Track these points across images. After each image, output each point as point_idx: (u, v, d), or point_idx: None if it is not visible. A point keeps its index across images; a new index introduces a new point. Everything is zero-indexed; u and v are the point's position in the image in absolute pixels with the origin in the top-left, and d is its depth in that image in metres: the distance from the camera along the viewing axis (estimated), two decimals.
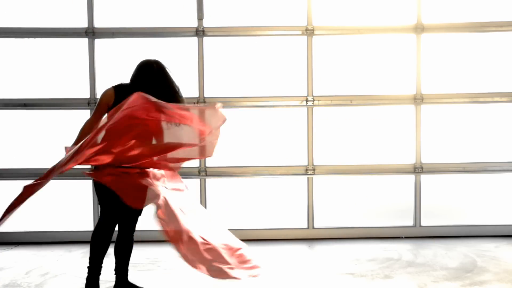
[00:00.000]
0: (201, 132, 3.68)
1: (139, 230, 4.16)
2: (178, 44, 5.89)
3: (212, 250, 3.59)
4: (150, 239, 5.50)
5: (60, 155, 3.57)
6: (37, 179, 3.44)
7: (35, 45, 5.87)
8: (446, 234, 5.91)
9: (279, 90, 5.89)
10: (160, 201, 3.53)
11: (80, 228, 5.89)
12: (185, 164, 6.09)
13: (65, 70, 5.88)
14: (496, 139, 5.95)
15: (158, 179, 3.74)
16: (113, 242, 3.97)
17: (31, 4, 5.88)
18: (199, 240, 3.57)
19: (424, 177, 5.94)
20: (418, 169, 5.90)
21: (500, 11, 5.87)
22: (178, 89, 3.87)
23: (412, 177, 5.94)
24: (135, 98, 3.51)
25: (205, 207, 5.90)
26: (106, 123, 3.53)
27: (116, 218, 3.88)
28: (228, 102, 5.84)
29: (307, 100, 5.85)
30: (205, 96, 5.84)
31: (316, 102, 5.86)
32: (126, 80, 3.88)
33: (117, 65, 5.75)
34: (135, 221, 4.00)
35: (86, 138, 3.49)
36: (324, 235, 5.92)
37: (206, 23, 5.85)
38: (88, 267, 3.86)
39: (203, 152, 3.87)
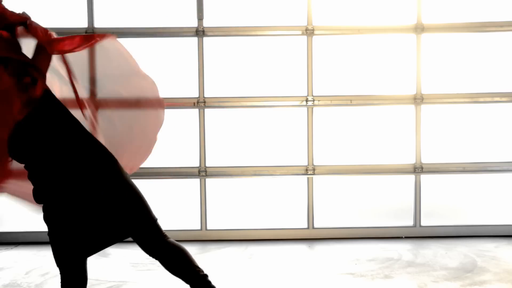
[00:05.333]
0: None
1: None
2: (178, 44, 5.89)
3: None
4: None
5: None
6: None
7: None
8: (446, 234, 5.90)
9: (279, 90, 5.89)
10: None
11: None
12: (185, 164, 6.11)
13: None
14: (496, 139, 5.94)
15: None
16: None
17: (31, 5, 5.88)
18: None
19: (424, 177, 5.93)
20: (418, 169, 5.90)
21: (500, 11, 5.86)
22: None
23: (412, 177, 5.93)
24: None
25: (205, 207, 5.90)
26: None
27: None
28: (228, 102, 5.85)
29: (307, 100, 5.84)
30: (205, 96, 5.84)
31: (316, 102, 5.86)
32: None
33: None
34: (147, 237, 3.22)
35: None
36: (324, 235, 5.92)
37: (206, 23, 5.85)
38: None
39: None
